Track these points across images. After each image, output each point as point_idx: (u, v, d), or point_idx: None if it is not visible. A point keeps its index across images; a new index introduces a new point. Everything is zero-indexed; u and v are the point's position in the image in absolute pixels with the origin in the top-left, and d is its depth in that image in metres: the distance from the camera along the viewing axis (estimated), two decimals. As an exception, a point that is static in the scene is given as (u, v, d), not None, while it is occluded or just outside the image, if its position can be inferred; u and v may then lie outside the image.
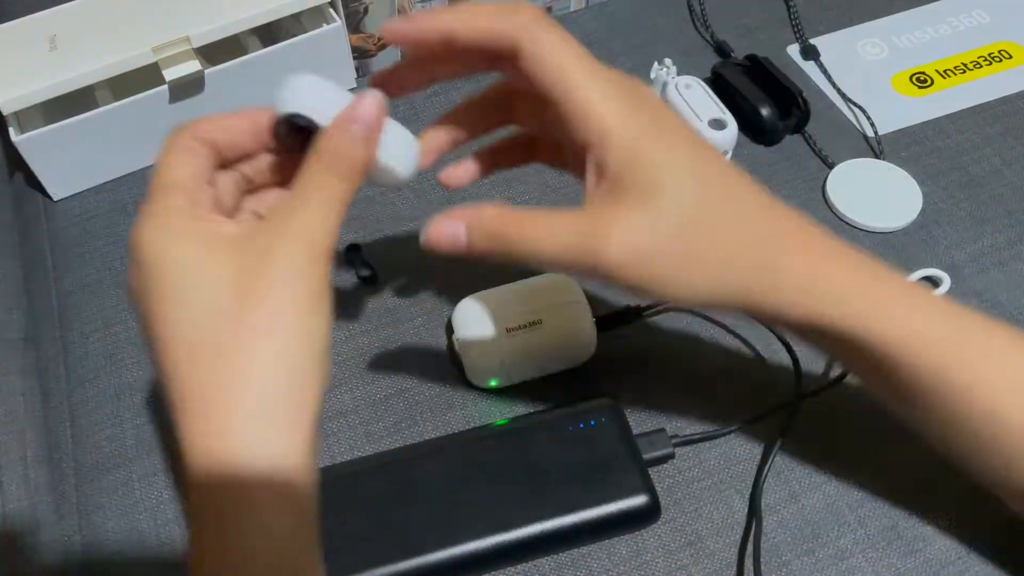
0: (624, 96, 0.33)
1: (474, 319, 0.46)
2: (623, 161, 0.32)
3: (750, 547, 0.43)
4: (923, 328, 0.34)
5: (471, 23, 0.33)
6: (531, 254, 0.33)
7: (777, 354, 0.49)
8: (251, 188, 0.35)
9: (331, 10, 0.60)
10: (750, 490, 0.45)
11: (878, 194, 0.56)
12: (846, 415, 0.47)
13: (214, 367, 0.27)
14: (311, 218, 0.29)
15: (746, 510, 0.44)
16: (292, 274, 0.28)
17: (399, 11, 0.61)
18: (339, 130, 0.32)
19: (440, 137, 0.40)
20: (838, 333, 0.34)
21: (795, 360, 0.47)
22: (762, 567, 0.42)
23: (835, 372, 0.49)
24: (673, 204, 0.32)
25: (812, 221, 0.36)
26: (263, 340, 0.27)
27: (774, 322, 0.39)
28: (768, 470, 0.44)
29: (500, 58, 0.34)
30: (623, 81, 0.34)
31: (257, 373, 0.27)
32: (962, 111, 0.61)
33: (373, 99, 0.32)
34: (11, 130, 0.55)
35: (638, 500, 0.42)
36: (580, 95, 0.32)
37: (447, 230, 0.34)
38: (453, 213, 0.35)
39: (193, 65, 0.55)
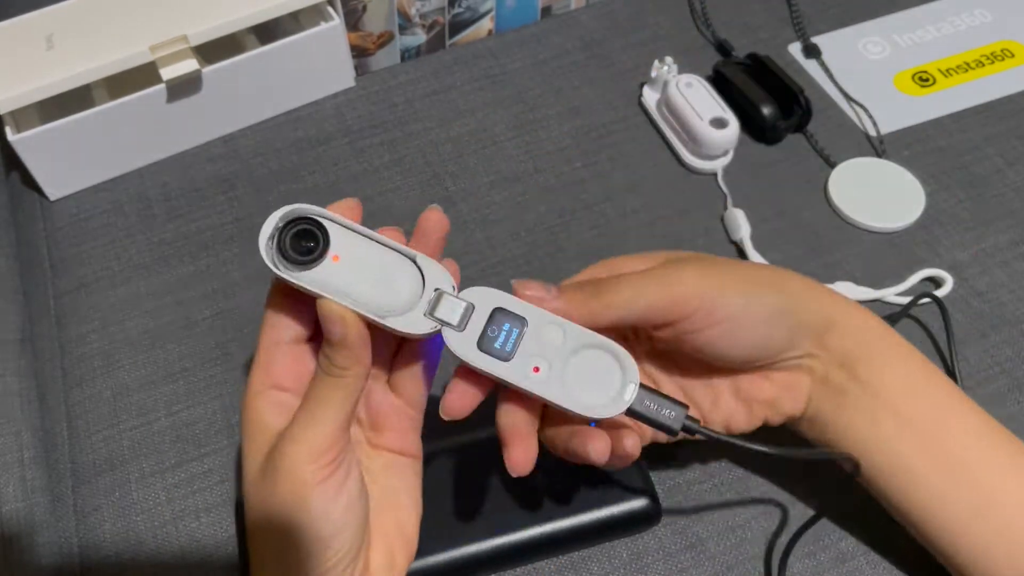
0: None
1: None
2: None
3: (751, 549, 0.43)
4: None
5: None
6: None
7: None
8: None
9: (329, 8, 0.59)
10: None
11: (880, 193, 0.56)
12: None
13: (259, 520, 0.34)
14: (308, 426, 0.33)
15: (747, 513, 0.44)
16: (288, 484, 0.33)
17: (398, 10, 0.61)
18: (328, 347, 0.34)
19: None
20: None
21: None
22: (763, 569, 0.42)
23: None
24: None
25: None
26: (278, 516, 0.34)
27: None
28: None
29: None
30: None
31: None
32: (964, 110, 0.61)
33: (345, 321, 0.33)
34: (7, 129, 0.54)
35: (639, 502, 0.42)
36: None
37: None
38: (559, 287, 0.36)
39: (191, 64, 0.55)
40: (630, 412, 0.34)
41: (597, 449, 0.34)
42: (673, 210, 0.56)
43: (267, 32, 0.61)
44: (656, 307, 0.35)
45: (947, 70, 0.63)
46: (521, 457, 0.34)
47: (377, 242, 0.34)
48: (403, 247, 0.34)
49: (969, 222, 0.55)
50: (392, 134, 0.61)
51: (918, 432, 0.37)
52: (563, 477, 0.43)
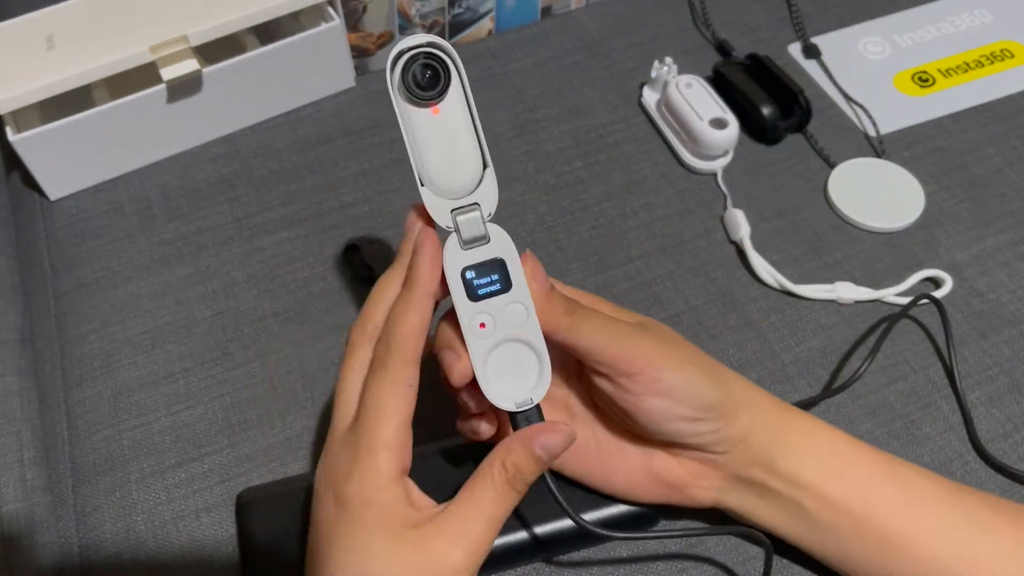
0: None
1: None
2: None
3: (751, 549, 0.43)
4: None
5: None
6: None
7: (773, 363, 0.49)
8: None
9: (330, 8, 0.59)
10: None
11: (880, 194, 0.56)
12: (842, 424, 0.47)
13: None
14: (471, 530, 0.34)
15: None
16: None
17: (398, 10, 0.61)
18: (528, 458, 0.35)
19: None
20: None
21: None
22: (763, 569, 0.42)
23: (827, 385, 0.48)
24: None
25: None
26: None
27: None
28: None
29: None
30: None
31: None
32: (964, 110, 0.61)
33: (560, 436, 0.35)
34: (8, 129, 0.54)
35: (637, 504, 0.42)
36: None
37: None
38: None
39: (191, 64, 0.55)
40: (512, 416, 0.36)
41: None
42: (673, 210, 0.56)
43: (267, 32, 0.61)
44: (609, 353, 0.36)
45: (947, 70, 0.63)
46: (460, 366, 0.35)
47: (475, 126, 0.36)
48: (487, 149, 0.36)
49: (969, 222, 0.55)
50: (392, 134, 0.61)
51: (846, 515, 0.38)
52: (563, 477, 0.43)
